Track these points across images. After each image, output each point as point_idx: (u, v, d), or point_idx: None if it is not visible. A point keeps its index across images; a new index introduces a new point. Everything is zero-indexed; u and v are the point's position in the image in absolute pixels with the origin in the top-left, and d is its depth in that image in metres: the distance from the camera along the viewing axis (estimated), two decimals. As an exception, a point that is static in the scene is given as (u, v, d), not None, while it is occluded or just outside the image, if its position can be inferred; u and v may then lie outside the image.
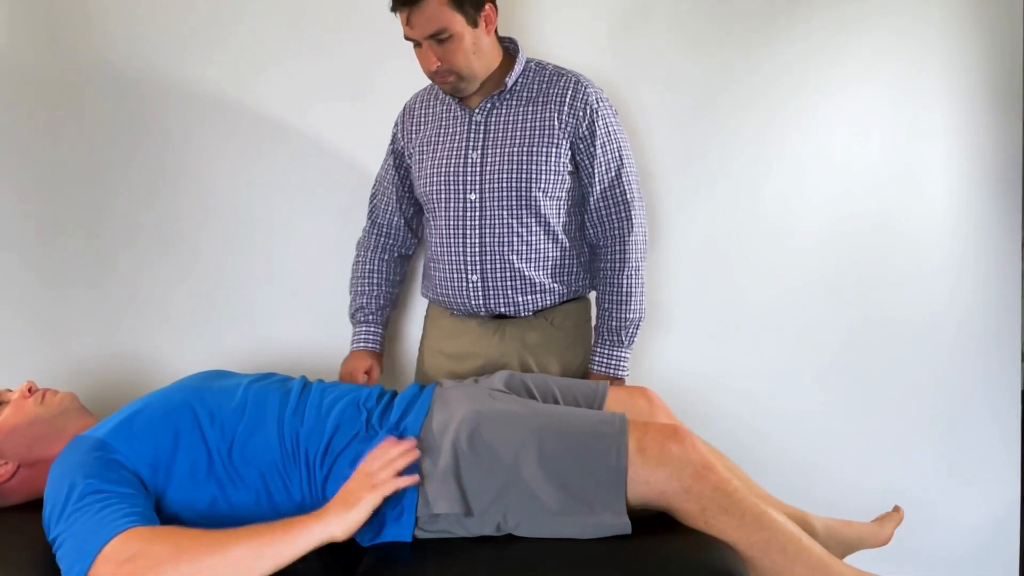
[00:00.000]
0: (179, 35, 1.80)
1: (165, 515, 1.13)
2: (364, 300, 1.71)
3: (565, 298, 1.62)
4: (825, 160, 1.88)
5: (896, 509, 1.50)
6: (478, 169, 1.52)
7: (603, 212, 1.57)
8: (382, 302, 1.72)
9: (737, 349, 1.93)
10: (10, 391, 1.30)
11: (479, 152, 1.52)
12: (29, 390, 1.28)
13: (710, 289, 1.91)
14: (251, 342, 1.87)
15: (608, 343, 1.61)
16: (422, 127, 1.61)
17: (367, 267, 1.72)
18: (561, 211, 1.56)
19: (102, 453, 1.12)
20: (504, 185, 1.51)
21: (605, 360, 1.61)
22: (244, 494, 1.17)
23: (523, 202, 1.51)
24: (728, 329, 1.93)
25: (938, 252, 1.91)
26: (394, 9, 1.41)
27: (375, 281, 1.71)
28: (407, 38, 1.43)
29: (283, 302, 1.88)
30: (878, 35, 1.84)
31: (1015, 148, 1.87)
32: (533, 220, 1.53)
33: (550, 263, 1.58)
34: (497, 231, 1.53)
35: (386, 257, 1.73)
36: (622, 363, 1.62)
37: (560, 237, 1.57)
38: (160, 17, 1.78)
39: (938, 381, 1.94)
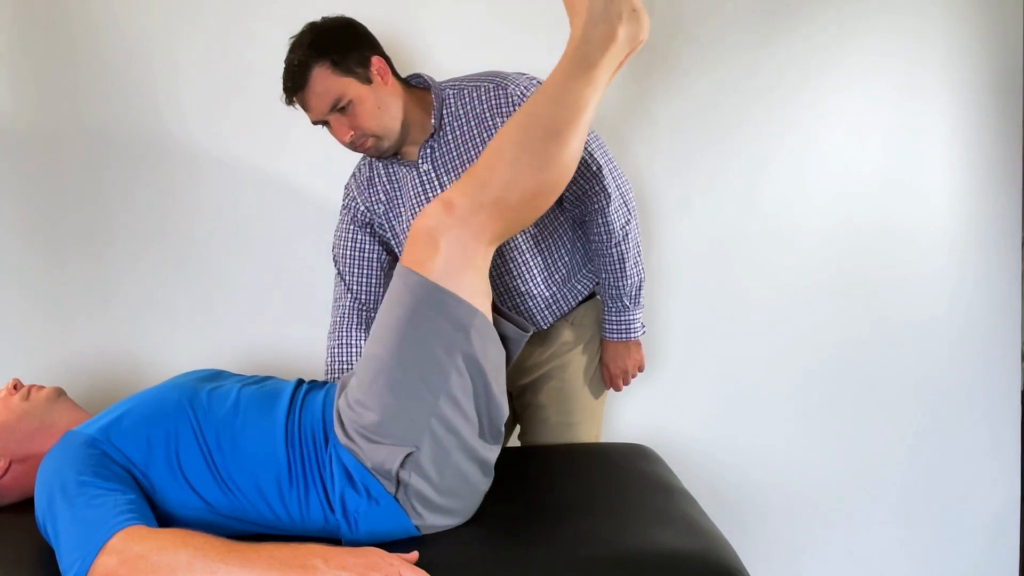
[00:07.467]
0: (182, 44, 1.76)
1: (158, 513, 1.10)
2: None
3: (579, 300, 1.61)
4: (825, 160, 1.89)
5: None
6: None
7: (573, 188, 1.50)
8: None
9: (736, 348, 1.93)
10: (-4, 389, 1.27)
11: None
12: (15, 387, 1.26)
13: (710, 289, 1.91)
14: (249, 341, 1.84)
15: (614, 309, 1.59)
16: (380, 195, 1.55)
17: (352, 348, 1.58)
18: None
19: (93, 449, 1.09)
20: None
21: (615, 326, 1.60)
22: (239, 497, 1.14)
23: None
24: (727, 328, 1.92)
25: (938, 252, 1.92)
26: (289, 102, 1.40)
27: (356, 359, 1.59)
28: (315, 123, 1.41)
29: (281, 301, 1.85)
30: (878, 35, 1.86)
31: (1015, 148, 1.89)
32: (519, 237, 1.49)
33: (553, 271, 1.55)
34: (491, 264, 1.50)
35: (366, 329, 1.60)
36: (632, 325, 1.60)
37: (550, 239, 1.54)
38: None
39: (938, 381, 1.95)
